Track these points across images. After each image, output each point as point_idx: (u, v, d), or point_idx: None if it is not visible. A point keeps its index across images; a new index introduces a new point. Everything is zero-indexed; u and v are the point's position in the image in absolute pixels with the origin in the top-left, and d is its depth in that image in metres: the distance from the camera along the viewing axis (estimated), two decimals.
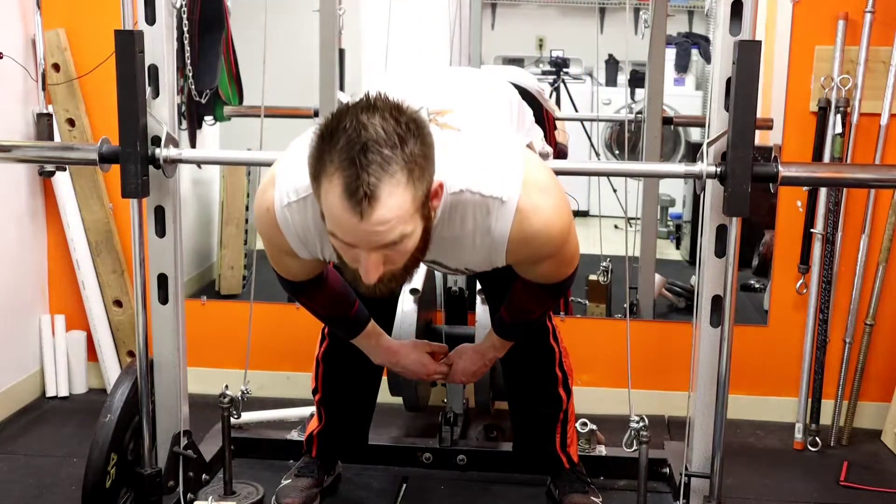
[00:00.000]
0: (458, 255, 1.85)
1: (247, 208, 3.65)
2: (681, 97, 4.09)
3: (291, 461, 2.57)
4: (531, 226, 1.76)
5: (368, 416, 2.51)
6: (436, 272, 2.96)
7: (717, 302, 2.13)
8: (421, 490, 2.55)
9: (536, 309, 2.08)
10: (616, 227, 3.35)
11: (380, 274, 1.59)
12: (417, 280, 2.69)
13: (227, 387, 2.34)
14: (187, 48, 2.95)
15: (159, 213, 2.22)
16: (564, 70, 3.80)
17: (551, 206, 1.79)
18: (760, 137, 3.18)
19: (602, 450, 2.60)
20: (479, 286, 2.71)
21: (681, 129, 4.15)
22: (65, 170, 3.11)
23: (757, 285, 3.51)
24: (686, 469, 2.23)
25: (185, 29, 2.92)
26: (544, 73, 3.84)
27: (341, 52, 3.32)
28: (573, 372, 2.42)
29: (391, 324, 2.43)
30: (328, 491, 2.50)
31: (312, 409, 2.60)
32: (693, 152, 2.13)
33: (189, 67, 2.98)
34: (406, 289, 2.44)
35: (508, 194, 1.73)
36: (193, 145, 3.21)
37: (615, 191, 2.92)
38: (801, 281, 3.00)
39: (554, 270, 1.95)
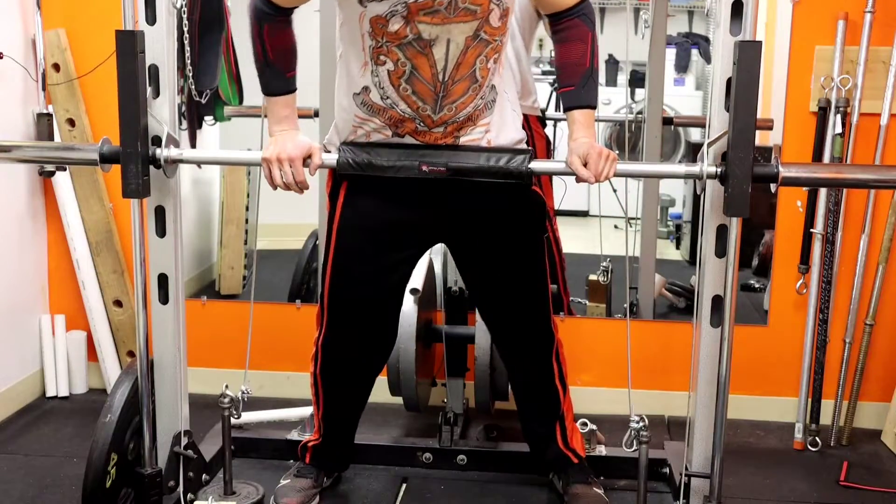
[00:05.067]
0: None
1: (247, 208, 3.65)
2: (681, 97, 4.09)
3: (291, 461, 2.57)
4: None
5: (354, 432, 2.53)
6: (435, 272, 2.97)
7: (717, 302, 2.13)
8: (421, 490, 2.55)
9: (583, 51, 2.08)
10: (616, 227, 3.35)
11: None
12: (417, 280, 2.69)
13: (227, 387, 2.34)
14: (187, 48, 2.94)
15: (159, 212, 2.23)
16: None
17: None
18: (760, 138, 3.17)
19: (602, 450, 2.60)
20: None
21: (681, 129, 4.15)
22: (65, 170, 3.11)
23: (757, 285, 3.51)
24: (686, 469, 2.24)
25: (185, 29, 2.92)
26: (544, 73, 3.83)
27: None
28: (568, 368, 2.43)
29: (394, 334, 2.43)
30: (328, 491, 2.50)
31: (312, 408, 2.60)
32: (693, 152, 2.13)
33: (189, 67, 2.98)
34: (406, 288, 2.44)
35: None
36: (193, 145, 3.21)
37: (615, 191, 2.92)
38: (801, 281, 2.99)
39: None
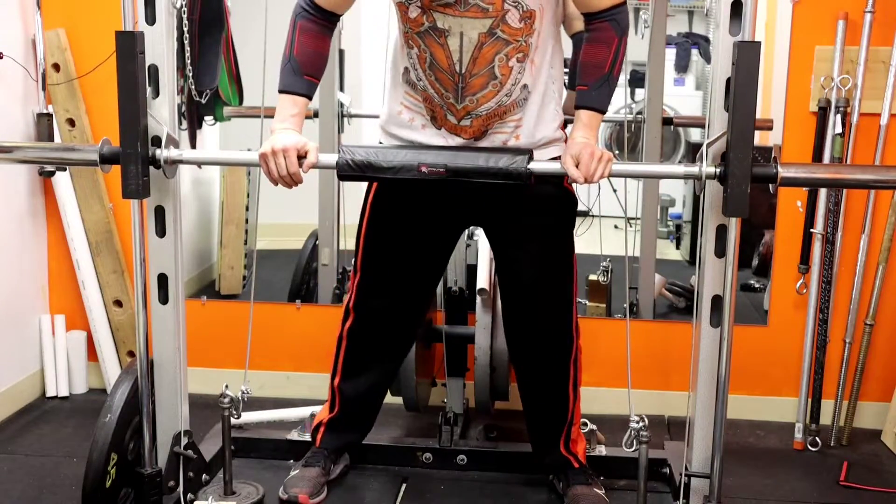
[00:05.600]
0: None
1: (247, 208, 3.65)
2: (681, 97, 4.09)
3: (291, 461, 2.57)
4: None
5: (378, 407, 2.53)
6: None
7: (717, 302, 2.13)
8: (421, 490, 2.55)
9: (605, 55, 2.09)
10: (616, 227, 3.35)
11: None
12: None
13: (227, 387, 2.34)
14: (187, 48, 2.95)
15: (159, 213, 2.23)
16: (564, 70, 3.81)
17: None
18: (760, 137, 3.18)
19: (602, 450, 2.60)
20: (478, 285, 2.72)
21: (681, 129, 4.15)
22: (65, 170, 3.11)
23: (757, 285, 3.51)
24: (686, 469, 2.24)
25: (185, 29, 2.92)
26: None
27: (341, 52, 3.32)
28: (581, 374, 2.43)
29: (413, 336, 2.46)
30: (334, 483, 2.50)
31: (312, 408, 2.61)
32: (693, 152, 2.13)
33: (189, 67, 2.98)
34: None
35: None
36: (193, 145, 3.21)
37: (615, 191, 2.92)
38: (801, 281, 2.99)
39: None
